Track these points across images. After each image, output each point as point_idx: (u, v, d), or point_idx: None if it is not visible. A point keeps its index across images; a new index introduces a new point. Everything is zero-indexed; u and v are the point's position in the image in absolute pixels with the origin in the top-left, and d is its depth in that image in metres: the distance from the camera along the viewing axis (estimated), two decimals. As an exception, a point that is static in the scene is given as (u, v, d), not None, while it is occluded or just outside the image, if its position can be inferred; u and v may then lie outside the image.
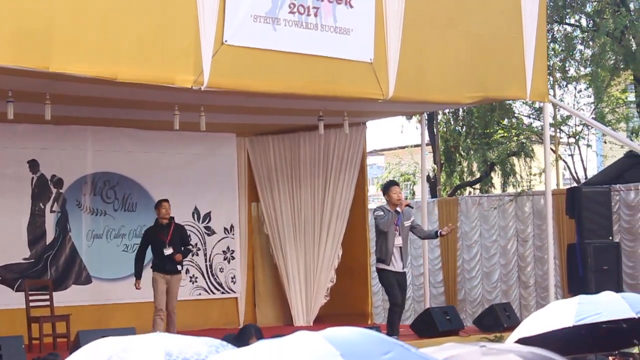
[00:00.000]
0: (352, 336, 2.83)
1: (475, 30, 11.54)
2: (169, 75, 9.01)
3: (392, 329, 11.07)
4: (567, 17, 19.00)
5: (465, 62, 11.46)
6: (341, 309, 13.63)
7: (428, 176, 18.92)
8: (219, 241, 14.17)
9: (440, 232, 11.75)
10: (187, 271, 13.52)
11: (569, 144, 18.79)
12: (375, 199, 23.09)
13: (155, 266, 11.71)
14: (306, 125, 13.34)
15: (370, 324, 13.17)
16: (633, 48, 17.48)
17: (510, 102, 18.03)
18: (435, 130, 19.41)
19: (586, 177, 18.39)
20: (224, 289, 14.13)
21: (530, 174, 19.29)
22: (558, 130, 17.59)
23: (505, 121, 19.52)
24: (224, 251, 14.20)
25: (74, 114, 11.82)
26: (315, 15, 9.98)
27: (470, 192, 20.90)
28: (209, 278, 14.03)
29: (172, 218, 11.86)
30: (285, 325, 13.70)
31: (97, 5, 8.52)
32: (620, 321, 5.76)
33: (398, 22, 10.68)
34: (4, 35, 7.95)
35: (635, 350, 6.70)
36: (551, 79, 16.55)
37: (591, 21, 18.60)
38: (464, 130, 20.54)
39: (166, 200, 11.89)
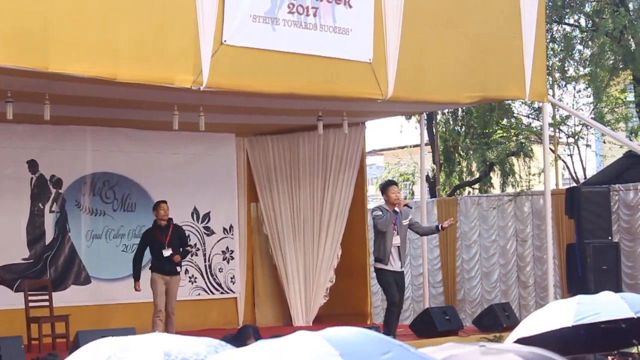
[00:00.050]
0: (351, 336, 2.83)
1: (474, 30, 11.54)
2: (168, 75, 9.02)
3: (389, 329, 11.06)
4: (566, 17, 18.99)
5: (465, 62, 11.46)
6: (340, 309, 13.63)
7: (427, 176, 18.91)
8: (218, 241, 14.17)
9: (441, 226, 11.71)
10: (187, 271, 13.51)
11: (568, 144, 18.79)
12: (374, 198, 23.08)
13: (154, 267, 11.69)
14: (305, 126, 13.34)
15: (370, 324, 13.17)
16: (632, 48, 17.48)
17: (510, 102, 18.02)
18: (434, 130, 19.41)
19: (585, 177, 18.39)
20: (223, 289, 14.13)
21: (530, 174, 19.29)
22: (557, 130, 17.59)
23: (505, 121, 19.52)
24: (223, 251, 14.20)
25: (73, 114, 11.82)
26: (314, 15, 9.98)
27: (469, 192, 20.90)
28: (208, 278, 14.02)
29: (171, 219, 11.85)
30: (284, 325, 13.70)
31: (96, 5, 8.52)
32: (620, 321, 5.76)
33: (397, 22, 10.68)
34: (3, 35, 7.95)
35: (634, 350, 6.70)
36: (550, 79, 16.55)
37: (590, 21, 18.60)
38: (463, 130, 20.54)
39: (164, 202, 11.88)
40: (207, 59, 9.08)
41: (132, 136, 13.32)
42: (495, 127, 19.32)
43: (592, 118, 16.89)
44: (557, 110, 16.97)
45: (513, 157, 19.78)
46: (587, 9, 18.71)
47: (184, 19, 9.01)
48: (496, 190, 20.33)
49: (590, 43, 18.35)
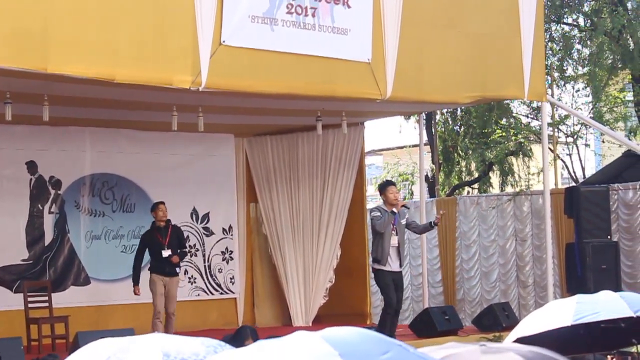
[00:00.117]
0: (350, 336, 2.83)
1: (473, 30, 11.55)
2: (167, 76, 9.02)
3: (382, 330, 11.00)
4: (565, 16, 19.01)
5: (463, 62, 11.46)
6: (340, 309, 13.63)
7: (426, 176, 18.92)
8: (217, 242, 14.17)
9: (433, 222, 11.68)
10: (186, 272, 13.51)
11: (567, 143, 18.81)
12: (373, 199, 23.06)
13: (154, 268, 11.66)
14: (304, 126, 13.34)
15: (369, 324, 13.18)
16: (631, 47, 17.49)
17: (509, 101, 18.03)
18: (433, 130, 19.41)
19: (584, 177, 18.40)
20: (222, 289, 14.13)
21: (529, 173, 19.30)
22: (556, 130, 17.60)
23: (504, 121, 19.53)
24: (222, 252, 14.20)
25: (72, 115, 11.82)
26: (313, 15, 9.98)
27: (468, 192, 20.91)
28: (208, 279, 14.02)
29: (169, 220, 11.84)
30: (284, 326, 13.71)
31: (95, 6, 8.53)
32: (619, 320, 5.76)
33: (396, 22, 10.69)
34: (2, 36, 7.95)
35: (633, 349, 6.70)
36: (549, 78, 16.57)
37: (589, 20, 18.61)
38: (462, 130, 20.55)
39: (162, 203, 11.86)
40: (206, 60, 9.08)
41: (131, 137, 13.32)
42: (494, 126, 19.33)
43: (591, 117, 16.90)
44: (556, 110, 16.98)
45: (512, 157, 19.79)
46: (586, 8, 18.73)
47: (182, 20, 9.01)
48: (495, 190, 20.34)
49: (589, 42, 18.37)
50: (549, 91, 15.88)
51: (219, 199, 14.17)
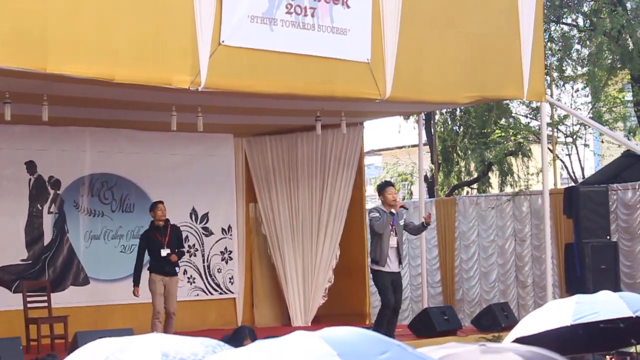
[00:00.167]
0: (349, 336, 2.83)
1: (472, 30, 11.55)
2: (166, 76, 9.02)
3: (378, 330, 10.97)
4: (564, 16, 19.01)
5: (463, 62, 11.46)
6: (339, 309, 13.63)
7: (425, 176, 18.92)
8: (216, 242, 14.17)
9: (424, 222, 11.58)
10: (185, 272, 13.51)
11: (566, 143, 18.80)
12: (372, 199, 23.05)
13: (153, 268, 11.64)
14: (304, 126, 13.34)
15: (368, 324, 13.16)
16: (630, 47, 17.49)
17: (508, 101, 18.03)
18: (432, 130, 19.41)
19: (584, 177, 18.40)
20: (221, 289, 14.13)
21: (528, 173, 19.30)
22: (555, 130, 17.60)
23: (503, 121, 19.52)
24: (221, 252, 14.20)
25: (72, 115, 11.82)
26: (312, 15, 9.98)
27: (467, 192, 20.90)
28: (207, 279, 14.02)
29: (167, 220, 11.83)
30: (283, 326, 13.71)
31: (94, 6, 8.52)
32: (618, 320, 5.76)
33: (395, 22, 10.69)
34: (1, 36, 7.95)
35: (632, 349, 6.70)
36: (548, 78, 16.57)
37: (588, 21, 18.61)
38: (461, 130, 20.54)
39: (161, 202, 11.85)
40: (205, 60, 9.08)
41: (130, 137, 13.32)
42: (493, 127, 19.32)
43: (590, 117, 16.90)
44: (555, 110, 16.98)
45: (511, 157, 19.78)
46: (585, 8, 18.72)
47: (181, 20, 9.01)
48: (494, 190, 20.33)
49: (588, 43, 18.36)
50: (548, 91, 15.88)
51: (218, 199, 14.17)
